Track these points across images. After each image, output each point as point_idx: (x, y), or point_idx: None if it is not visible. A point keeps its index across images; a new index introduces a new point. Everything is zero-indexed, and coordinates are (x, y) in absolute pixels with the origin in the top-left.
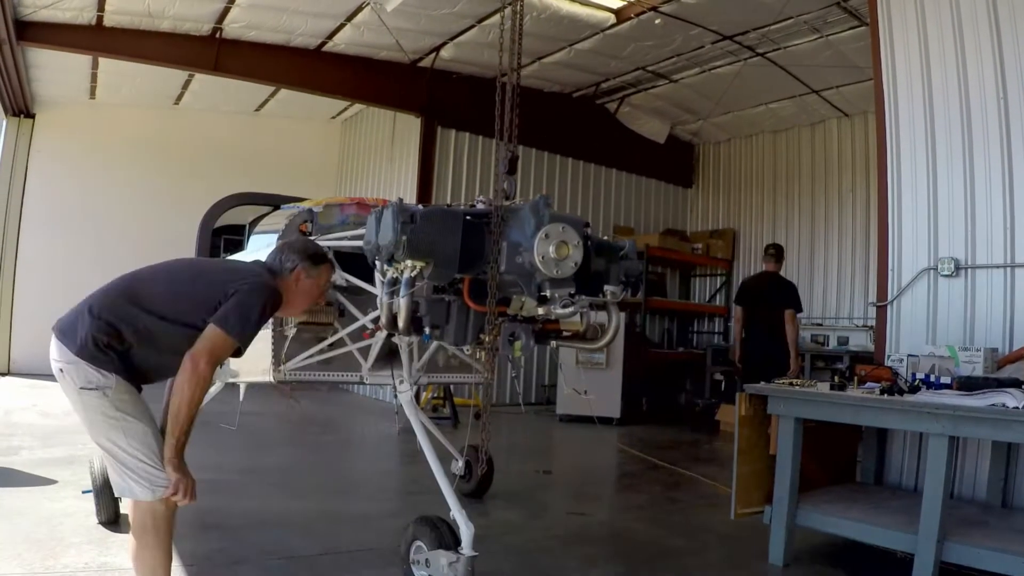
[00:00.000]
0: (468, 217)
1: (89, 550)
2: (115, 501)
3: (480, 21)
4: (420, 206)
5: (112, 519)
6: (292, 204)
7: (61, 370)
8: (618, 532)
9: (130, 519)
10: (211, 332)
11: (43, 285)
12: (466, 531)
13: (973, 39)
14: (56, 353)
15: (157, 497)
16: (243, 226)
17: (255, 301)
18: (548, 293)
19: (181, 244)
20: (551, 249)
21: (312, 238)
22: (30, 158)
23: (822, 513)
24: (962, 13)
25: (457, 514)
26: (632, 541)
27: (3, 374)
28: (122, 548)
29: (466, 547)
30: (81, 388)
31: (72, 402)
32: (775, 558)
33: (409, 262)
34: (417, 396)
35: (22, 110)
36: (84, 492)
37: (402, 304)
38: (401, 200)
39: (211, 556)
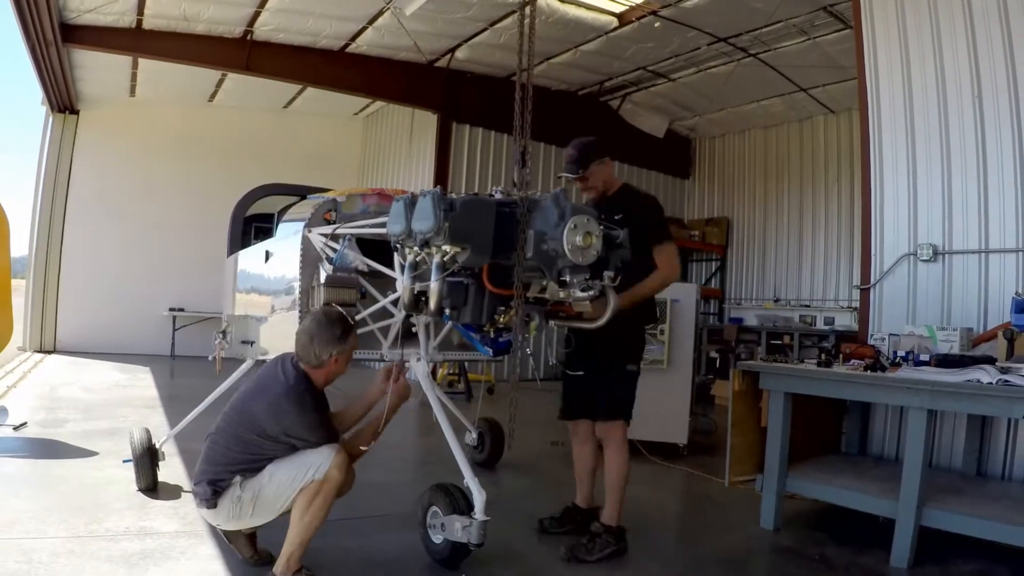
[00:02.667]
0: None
1: (130, 515)
2: (154, 469)
3: (492, 24)
4: (453, 195)
5: (151, 486)
6: (318, 195)
7: None
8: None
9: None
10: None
11: (86, 270)
12: (479, 497)
13: (950, 42)
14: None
15: None
16: (272, 215)
17: (305, 414)
18: (568, 278)
19: (213, 231)
20: (579, 239)
21: (335, 225)
22: (75, 152)
23: (810, 481)
24: (940, 18)
25: (470, 481)
26: (634, 507)
27: (49, 352)
28: (160, 513)
29: (479, 512)
30: None
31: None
32: (766, 522)
33: (447, 247)
34: (433, 372)
35: (67, 106)
36: (124, 461)
37: (433, 287)
38: (441, 189)
39: None
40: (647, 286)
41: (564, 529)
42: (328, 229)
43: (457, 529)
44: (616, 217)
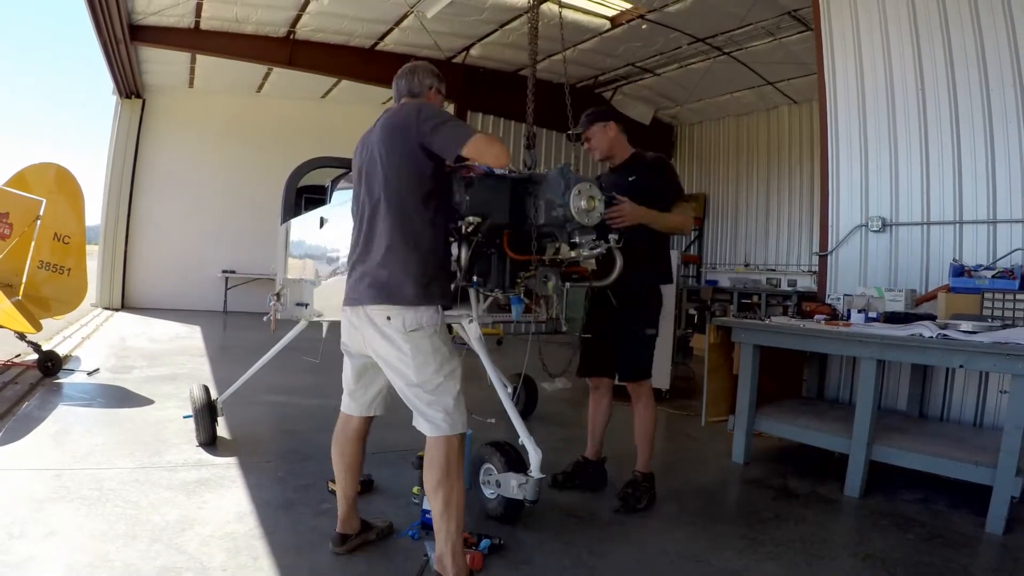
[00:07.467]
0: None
1: (187, 449)
2: (213, 424)
3: (503, 26)
4: (472, 173)
5: (211, 441)
6: None
7: (389, 317)
8: (607, 437)
9: (428, 456)
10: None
11: (150, 238)
12: (535, 456)
13: (898, 44)
14: (374, 313)
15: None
16: (320, 186)
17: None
18: (577, 239)
19: (261, 206)
20: (583, 202)
21: None
22: (140, 134)
23: (775, 421)
24: (888, 22)
25: (526, 440)
26: (621, 444)
27: (117, 309)
28: (214, 448)
29: (535, 470)
30: (410, 331)
31: (393, 350)
32: (737, 457)
33: (469, 218)
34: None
35: (133, 92)
36: (185, 417)
37: (462, 255)
38: (460, 169)
39: (285, 455)
40: (667, 217)
41: (576, 483)
42: None
43: (513, 487)
44: (630, 179)
